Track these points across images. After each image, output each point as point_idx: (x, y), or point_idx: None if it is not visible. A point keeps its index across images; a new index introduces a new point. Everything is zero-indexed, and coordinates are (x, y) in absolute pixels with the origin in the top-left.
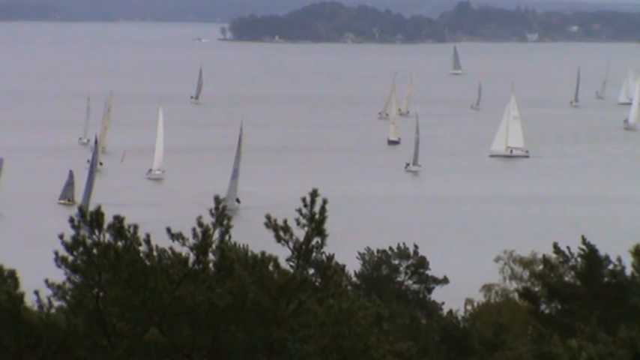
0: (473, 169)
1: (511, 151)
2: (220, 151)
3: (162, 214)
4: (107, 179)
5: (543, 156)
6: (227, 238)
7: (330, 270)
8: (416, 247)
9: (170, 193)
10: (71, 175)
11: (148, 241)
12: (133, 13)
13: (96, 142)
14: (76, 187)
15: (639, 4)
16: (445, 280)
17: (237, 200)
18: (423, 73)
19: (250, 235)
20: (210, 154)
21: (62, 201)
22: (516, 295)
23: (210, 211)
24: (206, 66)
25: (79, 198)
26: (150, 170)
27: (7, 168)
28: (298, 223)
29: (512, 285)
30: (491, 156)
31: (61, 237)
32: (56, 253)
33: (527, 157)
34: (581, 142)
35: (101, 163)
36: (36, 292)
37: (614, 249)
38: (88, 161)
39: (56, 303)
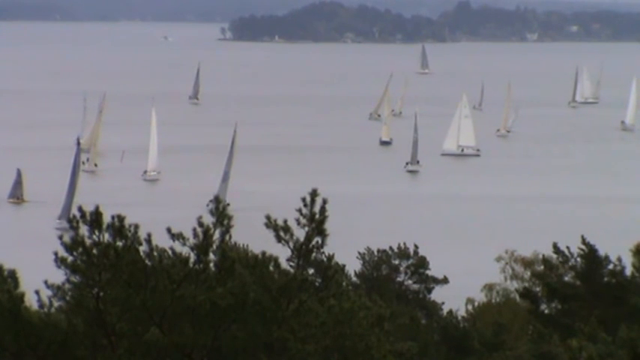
0: (472, 168)
1: (462, 150)
2: (218, 151)
3: (158, 215)
4: (103, 180)
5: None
6: (227, 238)
7: (331, 270)
8: (416, 247)
9: (166, 195)
10: (19, 174)
11: (148, 240)
12: (133, 13)
13: (78, 143)
14: (24, 185)
15: (639, 4)
16: (445, 280)
17: (227, 203)
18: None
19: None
20: (208, 154)
21: (11, 200)
22: (517, 295)
23: (211, 211)
24: (205, 66)
25: (30, 196)
26: (145, 172)
27: None
28: (298, 223)
29: (514, 285)
30: (443, 155)
31: (60, 237)
32: (56, 253)
33: (478, 155)
34: (579, 142)
35: (96, 165)
36: (37, 292)
37: (614, 249)
38: (85, 162)
39: (56, 303)
